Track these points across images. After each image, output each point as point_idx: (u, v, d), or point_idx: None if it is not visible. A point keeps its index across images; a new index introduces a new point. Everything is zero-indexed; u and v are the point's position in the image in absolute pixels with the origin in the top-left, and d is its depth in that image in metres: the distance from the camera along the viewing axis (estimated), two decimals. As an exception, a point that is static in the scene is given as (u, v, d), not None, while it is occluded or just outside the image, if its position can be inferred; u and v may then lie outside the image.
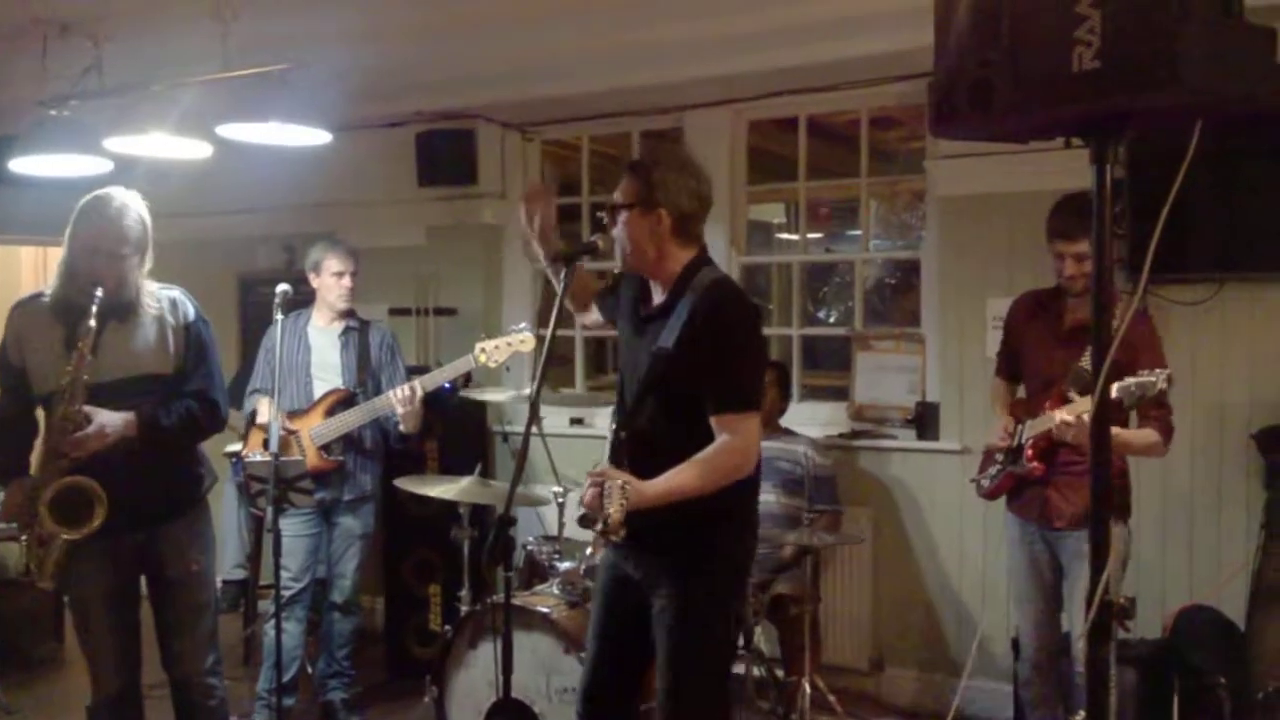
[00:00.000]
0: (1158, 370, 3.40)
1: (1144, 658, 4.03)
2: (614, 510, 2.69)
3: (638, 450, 2.97)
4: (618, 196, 3.07)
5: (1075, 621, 3.77)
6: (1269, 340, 4.43)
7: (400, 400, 4.55)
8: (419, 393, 4.58)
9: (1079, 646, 3.63)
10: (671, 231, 3.03)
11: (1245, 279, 4.42)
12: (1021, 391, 4.10)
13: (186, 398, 3.52)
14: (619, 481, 2.75)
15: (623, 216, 3.05)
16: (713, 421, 2.90)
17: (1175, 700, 3.86)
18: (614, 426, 3.08)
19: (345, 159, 5.71)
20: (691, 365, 2.91)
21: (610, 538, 2.73)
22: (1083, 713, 2.18)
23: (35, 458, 3.50)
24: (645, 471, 2.87)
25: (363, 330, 4.87)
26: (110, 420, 3.36)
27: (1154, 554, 4.57)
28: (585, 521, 3.01)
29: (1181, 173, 2.01)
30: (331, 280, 4.77)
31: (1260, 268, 4.35)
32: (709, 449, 2.89)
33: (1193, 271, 4.38)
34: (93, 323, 3.34)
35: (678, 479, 2.87)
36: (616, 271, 3.30)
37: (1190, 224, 4.19)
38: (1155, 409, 3.62)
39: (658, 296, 3.12)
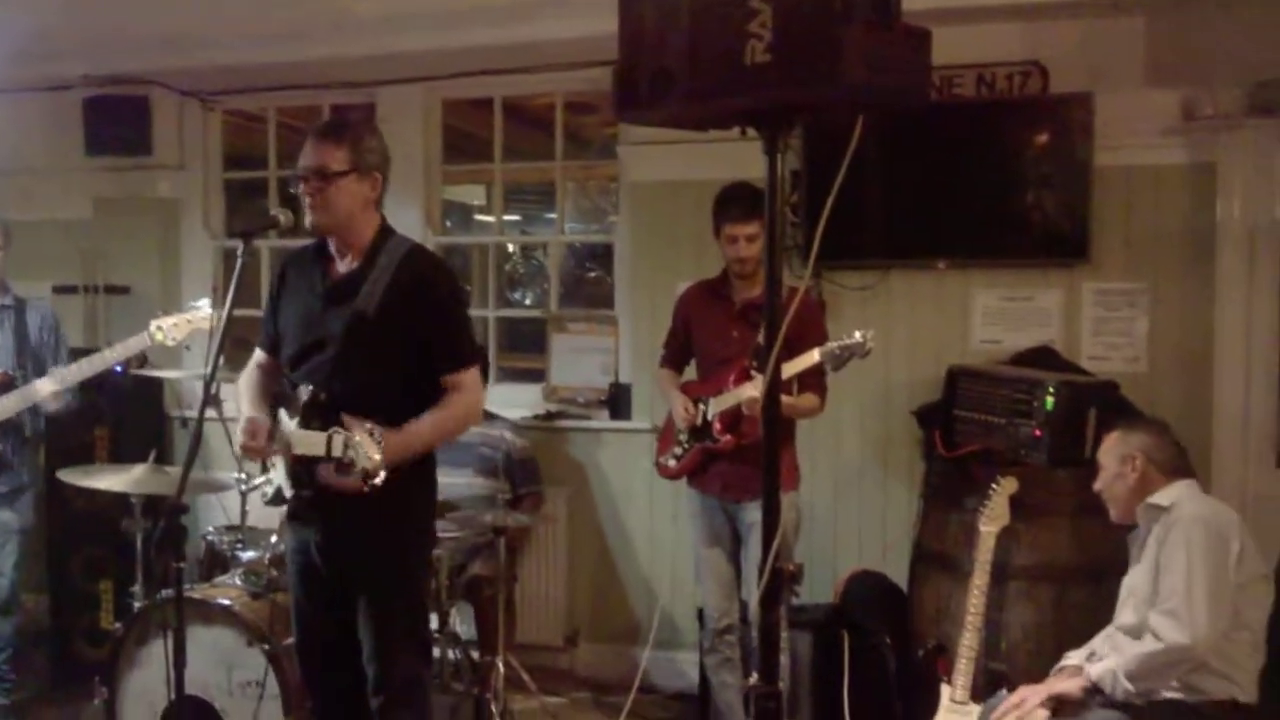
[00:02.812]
0: (857, 332, 3.61)
1: (817, 621, 4.28)
2: (376, 455, 2.72)
3: (339, 411, 2.92)
4: (331, 164, 2.99)
5: (750, 588, 3.95)
6: (925, 324, 4.79)
7: (50, 396, 4.23)
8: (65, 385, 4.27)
9: (755, 612, 3.84)
10: (379, 196, 3.09)
11: (907, 266, 4.77)
12: (690, 374, 4.30)
13: None
14: (367, 428, 2.76)
15: (337, 184, 2.98)
16: (444, 380, 3.04)
17: (845, 659, 4.12)
18: (309, 388, 2.98)
19: (1, 124, 5.26)
20: (401, 327, 2.99)
21: (373, 483, 2.74)
22: (756, 674, 2.28)
23: None
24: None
25: (19, 309, 4.48)
26: None
27: (826, 523, 4.86)
28: (278, 499, 2.94)
29: (844, 165, 2.13)
30: None
31: (919, 255, 4.71)
32: (444, 404, 3.02)
33: (862, 258, 4.69)
34: None
35: (421, 429, 2.98)
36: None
37: (861, 214, 4.47)
38: (813, 376, 3.83)
39: (345, 264, 3.11)
